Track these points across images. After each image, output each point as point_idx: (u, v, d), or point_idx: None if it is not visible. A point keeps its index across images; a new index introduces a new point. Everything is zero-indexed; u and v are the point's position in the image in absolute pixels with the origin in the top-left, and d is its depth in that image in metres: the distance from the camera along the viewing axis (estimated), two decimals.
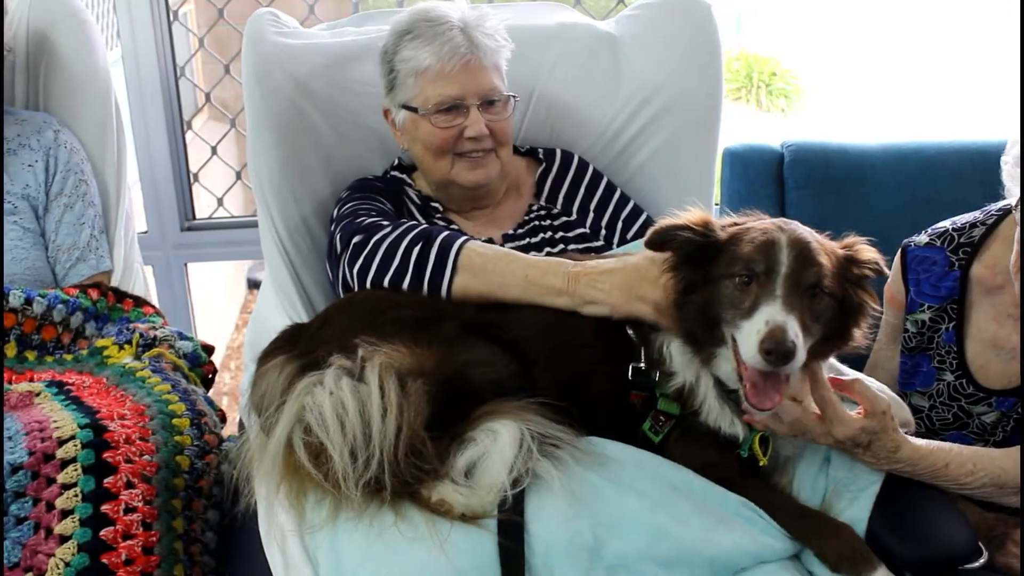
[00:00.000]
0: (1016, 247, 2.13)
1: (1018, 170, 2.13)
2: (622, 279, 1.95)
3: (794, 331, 1.66)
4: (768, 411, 1.75)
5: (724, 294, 1.76)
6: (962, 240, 2.32)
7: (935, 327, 2.33)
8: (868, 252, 1.83)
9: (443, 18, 2.38)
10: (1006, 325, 2.25)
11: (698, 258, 1.82)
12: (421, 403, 1.78)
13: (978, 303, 2.29)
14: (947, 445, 1.98)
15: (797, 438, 1.90)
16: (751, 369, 1.72)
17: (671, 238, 1.83)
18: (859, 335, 1.84)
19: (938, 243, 2.34)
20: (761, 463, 1.87)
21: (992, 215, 2.32)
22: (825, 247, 1.78)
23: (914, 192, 2.95)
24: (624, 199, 2.58)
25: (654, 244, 1.86)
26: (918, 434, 2.00)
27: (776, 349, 1.65)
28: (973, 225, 2.33)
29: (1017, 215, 2.12)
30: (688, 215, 1.84)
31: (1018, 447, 2.02)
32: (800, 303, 1.70)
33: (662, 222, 1.85)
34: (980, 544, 1.86)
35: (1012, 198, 2.20)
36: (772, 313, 1.68)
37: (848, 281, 1.79)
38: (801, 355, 1.67)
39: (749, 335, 1.69)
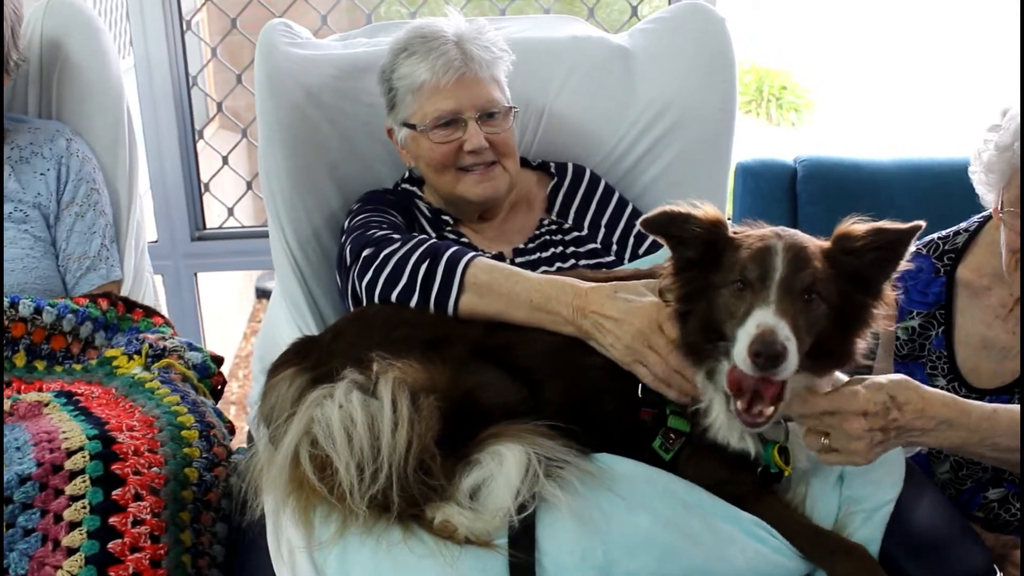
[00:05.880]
0: (1004, 249, 2.19)
1: (992, 175, 2.20)
2: (629, 334, 1.91)
3: (784, 334, 1.61)
4: (760, 427, 1.70)
5: (720, 303, 1.72)
6: (946, 247, 2.40)
7: (925, 333, 2.38)
8: (859, 228, 1.75)
9: (438, 33, 2.38)
10: (994, 326, 2.32)
11: (700, 263, 1.78)
12: (433, 418, 1.78)
13: (965, 307, 2.36)
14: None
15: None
16: (743, 379, 1.67)
17: (672, 226, 1.77)
18: (861, 349, 1.78)
19: (924, 251, 2.40)
20: (786, 473, 1.84)
21: (974, 222, 2.41)
22: (821, 249, 1.73)
23: (928, 208, 2.91)
24: (636, 215, 2.56)
25: (653, 227, 1.80)
26: None
27: (765, 351, 1.59)
28: (957, 233, 2.42)
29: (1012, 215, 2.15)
30: (700, 210, 1.78)
31: None
32: (794, 308, 1.65)
33: (666, 207, 1.78)
34: (994, 565, 1.85)
35: (988, 205, 2.28)
36: (762, 316, 1.63)
37: (848, 281, 1.73)
38: (792, 360, 1.61)
39: (741, 341, 1.64)
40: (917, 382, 1.82)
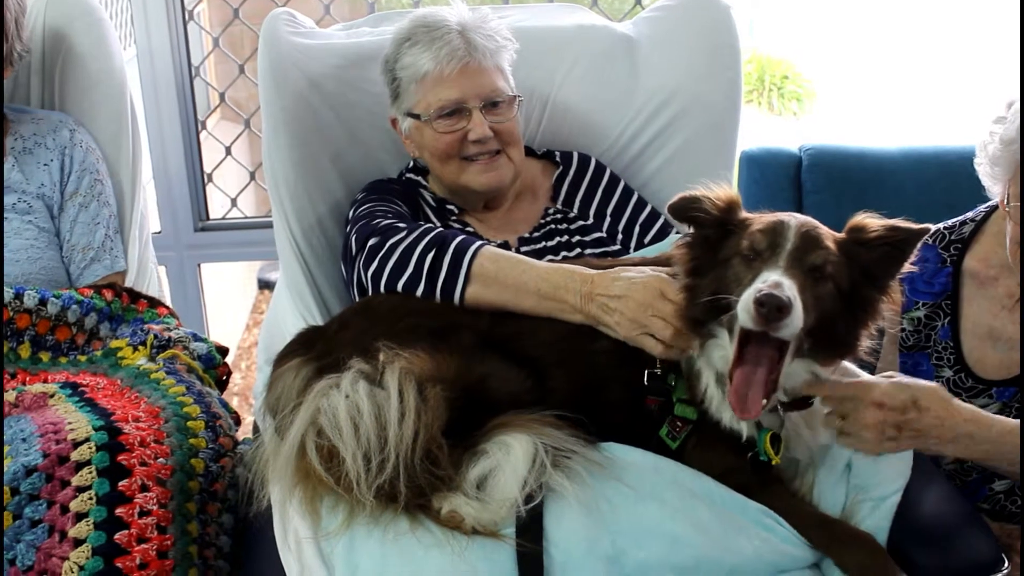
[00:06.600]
0: (1010, 242, 2.20)
1: (997, 168, 2.21)
2: (632, 307, 1.91)
3: (792, 292, 1.62)
4: (751, 416, 1.71)
5: (729, 273, 1.74)
6: (953, 237, 2.39)
7: (931, 324, 2.37)
8: (874, 222, 1.77)
9: (441, 22, 2.37)
10: (1001, 316, 2.30)
11: (713, 241, 1.81)
12: (440, 408, 1.77)
13: (972, 297, 2.35)
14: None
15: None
16: (741, 369, 1.69)
17: (693, 207, 1.81)
18: (865, 342, 1.80)
19: (930, 241, 2.38)
20: (774, 462, 1.84)
21: (981, 212, 2.40)
22: (834, 237, 1.76)
23: (934, 197, 2.93)
24: (641, 203, 2.56)
25: (676, 212, 1.84)
26: None
27: (769, 301, 1.60)
28: (963, 223, 2.40)
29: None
30: (715, 191, 1.82)
31: None
32: (802, 277, 1.67)
33: (687, 192, 1.83)
34: (1003, 553, 1.85)
35: (995, 197, 2.29)
36: (769, 275, 1.65)
37: (858, 270, 1.75)
38: (796, 319, 1.62)
39: (747, 299, 1.64)
40: (950, 395, 1.83)
